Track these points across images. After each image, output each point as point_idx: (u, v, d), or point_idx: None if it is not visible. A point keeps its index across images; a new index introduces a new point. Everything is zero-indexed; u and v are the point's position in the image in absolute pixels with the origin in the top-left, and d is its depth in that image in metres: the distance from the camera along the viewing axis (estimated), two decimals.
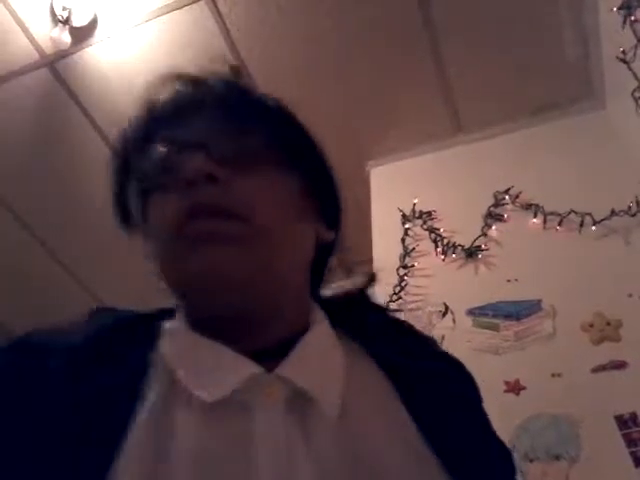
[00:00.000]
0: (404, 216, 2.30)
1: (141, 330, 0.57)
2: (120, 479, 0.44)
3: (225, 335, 0.53)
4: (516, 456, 1.55)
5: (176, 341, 0.56)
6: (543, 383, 1.70)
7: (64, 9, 2.25)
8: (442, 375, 0.61)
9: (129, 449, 0.46)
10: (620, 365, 1.66)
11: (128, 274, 3.14)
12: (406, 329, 0.68)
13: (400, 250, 2.21)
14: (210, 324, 0.54)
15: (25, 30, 2.33)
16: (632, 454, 1.50)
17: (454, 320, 1.95)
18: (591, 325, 1.76)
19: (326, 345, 0.59)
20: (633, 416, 1.55)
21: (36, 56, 2.40)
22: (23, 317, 3.41)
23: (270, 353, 0.53)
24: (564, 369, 1.70)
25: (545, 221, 2.06)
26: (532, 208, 2.10)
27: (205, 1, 2.22)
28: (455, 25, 2.24)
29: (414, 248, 2.22)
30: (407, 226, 2.28)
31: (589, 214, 1.98)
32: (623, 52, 1.84)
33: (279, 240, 0.54)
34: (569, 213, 2.02)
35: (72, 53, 2.39)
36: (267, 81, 2.42)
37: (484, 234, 2.13)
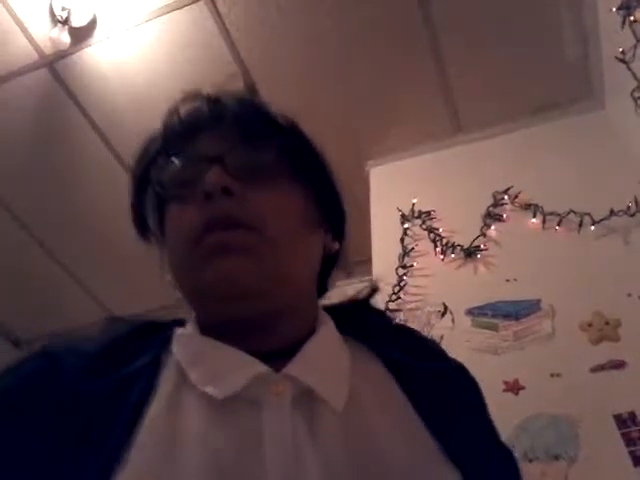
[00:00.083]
0: (403, 216, 2.30)
1: (154, 335, 0.61)
2: (139, 462, 0.47)
3: (236, 338, 0.56)
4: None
5: (187, 343, 0.59)
6: (542, 383, 1.70)
7: (63, 9, 2.25)
8: (445, 376, 0.62)
9: (139, 448, 0.48)
10: (619, 365, 1.66)
11: (127, 274, 3.14)
12: (410, 332, 0.71)
13: (399, 250, 2.21)
14: (222, 328, 0.57)
15: (24, 30, 2.34)
16: (631, 453, 1.50)
17: (453, 320, 1.95)
18: (590, 325, 1.76)
19: (332, 345, 0.61)
20: (632, 415, 1.55)
21: (35, 56, 2.40)
22: (23, 317, 3.41)
23: (279, 354, 0.56)
24: (563, 369, 1.70)
25: (544, 221, 2.06)
26: (531, 208, 2.10)
27: (204, 1, 2.22)
28: (455, 25, 2.24)
29: (413, 248, 2.22)
30: (406, 226, 2.28)
31: (588, 214, 1.99)
32: (622, 52, 1.84)
33: (289, 250, 0.57)
34: (568, 213, 2.02)
35: (71, 53, 2.39)
36: (267, 81, 2.42)
37: (483, 234, 2.13)
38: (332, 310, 0.67)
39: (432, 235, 2.21)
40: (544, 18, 2.19)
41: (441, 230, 2.21)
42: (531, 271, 1.96)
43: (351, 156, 2.52)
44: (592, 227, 1.97)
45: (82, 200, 2.86)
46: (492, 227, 2.15)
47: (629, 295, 1.78)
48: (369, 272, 2.20)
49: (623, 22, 1.79)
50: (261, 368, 0.54)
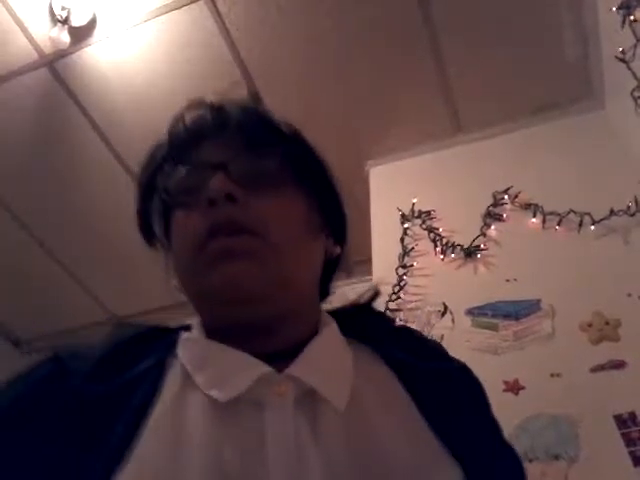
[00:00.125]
0: (403, 216, 2.30)
1: (159, 340, 0.62)
2: (142, 461, 0.48)
3: (240, 341, 0.57)
4: None
5: (192, 347, 0.60)
6: (542, 383, 1.70)
7: (63, 9, 2.25)
8: (448, 375, 0.63)
9: (142, 448, 0.49)
10: (619, 365, 1.66)
11: (127, 274, 3.14)
12: (412, 333, 0.72)
13: (399, 250, 2.21)
14: (227, 332, 0.59)
15: (24, 30, 2.34)
16: (631, 453, 1.50)
17: (453, 320, 1.95)
18: (590, 325, 1.76)
19: (334, 346, 0.62)
20: (632, 415, 1.55)
21: (35, 56, 2.40)
22: (22, 317, 3.41)
23: (282, 355, 0.57)
24: (563, 369, 1.70)
25: (544, 221, 2.06)
26: (531, 208, 2.10)
27: (204, 1, 2.22)
28: (455, 25, 2.24)
29: (413, 248, 2.22)
30: (406, 226, 2.28)
31: (588, 214, 1.98)
32: (622, 52, 1.84)
33: (292, 255, 0.59)
34: (568, 213, 2.02)
35: (71, 53, 2.39)
36: (267, 81, 2.42)
37: (483, 234, 2.13)
38: (335, 314, 0.67)
39: (432, 235, 2.21)
40: (544, 18, 2.19)
41: (441, 230, 2.21)
42: (531, 271, 1.96)
43: (351, 156, 2.52)
44: (592, 227, 1.97)
45: (82, 200, 2.86)
46: (492, 227, 2.14)
47: (629, 295, 1.78)
48: (369, 272, 2.20)
49: (623, 22, 1.79)
50: (264, 369, 0.54)
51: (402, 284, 2.10)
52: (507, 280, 1.98)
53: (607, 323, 1.74)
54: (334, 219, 0.68)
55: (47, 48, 2.37)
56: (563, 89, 2.34)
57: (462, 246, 2.12)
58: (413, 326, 1.92)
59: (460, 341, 1.86)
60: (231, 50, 2.34)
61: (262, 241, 0.56)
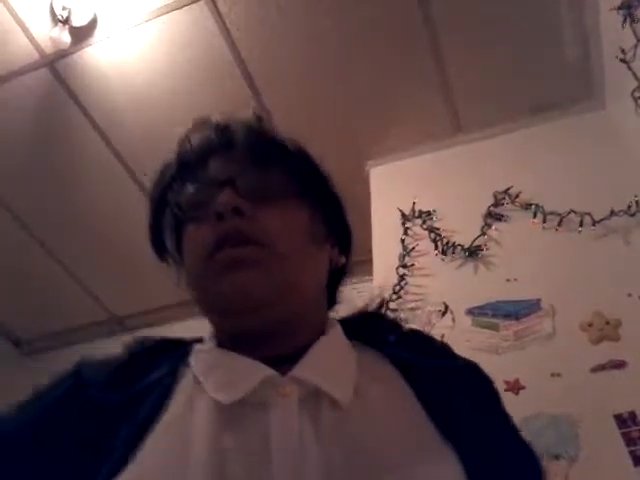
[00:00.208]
0: (404, 216, 2.30)
1: (174, 351, 0.65)
2: (149, 462, 0.51)
3: (249, 347, 0.60)
4: None
5: (203, 356, 0.63)
6: (542, 383, 1.70)
7: (64, 9, 2.25)
8: (452, 373, 0.64)
9: (150, 448, 0.52)
10: (619, 364, 1.66)
11: (127, 274, 3.14)
12: (420, 335, 0.75)
13: (400, 249, 2.21)
14: (236, 339, 0.62)
15: (25, 30, 2.34)
16: (631, 453, 1.50)
17: (453, 320, 1.95)
18: (590, 325, 1.76)
19: (338, 347, 0.65)
20: (632, 415, 1.55)
21: (36, 56, 2.40)
22: (23, 317, 3.41)
23: (288, 359, 0.59)
24: (563, 369, 1.70)
25: (545, 221, 2.06)
26: (532, 208, 2.10)
27: (205, 1, 2.22)
28: (455, 25, 2.24)
29: (414, 248, 2.22)
30: (407, 226, 2.28)
31: (589, 214, 1.98)
32: (623, 52, 1.84)
33: (296, 264, 0.62)
34: (569, 213, 2.02)
35: (72, 53, 2.40)
36: (267, 81, 2.42)
37: (484, 234, 2.13)
38: (344, 321, 0.70)
39: (432, 235, 2.21)
40: (544, 18, 2.19)
41: (442, 230, 2.21)
42: (531, 271, 1.96)
43: (351, 156, 2.52)
44: (592, 227, 1.97)
45: (82, 200, 2.86)
46: (493, 227, 2.14)
47: (629, 295, 1.78)
48: (369, 272, 2.20)
49: (624, 21, 1.79)
50: (268, 372, 0.57)
51: (402, 284, 2.10)
52: (507, 280, 1.98)
53: (607, 323, 1.74)
54: (338, 229, 0.72)
55: (48, 48, 2.37)
56: (563, 89, 2.34)
57: (463, 246, 2.12)
58: (413, 326, 1.92)
59: (460, 341, 1.86)
60: (231, 50, 2.34)
61: (268, 251, 0.59)
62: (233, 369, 0.59)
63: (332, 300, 0.74)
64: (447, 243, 2.16)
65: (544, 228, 2.06)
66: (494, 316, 1.91)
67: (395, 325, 0.76)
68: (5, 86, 2.49)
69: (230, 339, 0.63)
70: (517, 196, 2.16)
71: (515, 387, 1.71)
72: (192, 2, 2.23)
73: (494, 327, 1.89)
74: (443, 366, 0.64)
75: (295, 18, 2.26)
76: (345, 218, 0.74)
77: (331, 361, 0.61)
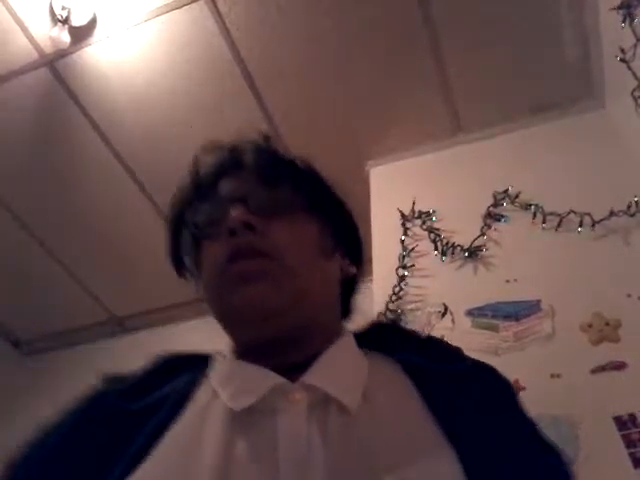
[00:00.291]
0: (403, 216, 2.30)
1: (194, 363, 0.69)
2: (159, 463, 0.55)
3: (262, 356, 0.63)
4: None
5: (220, 367, 0.67)
6: (542, 384, 1.69)
7: (63, 8, 2.25)
8: (465, 376, 0.65)
9: (162, 449, 0.56)
10: (619, 366, 1.65)
11: (127, 274, 3.14)
12: (434, 341, 0.77)
13: (399, 250, 2.21)
14: (250, 350, 0.65)
15: (24, 29, 2.33)
16: (631, 455, 1.49)
17: (453, 320, 1.95)
18: (590, 325, 1.75)
19: (347, 354, 0.68)
20: (632, 417, 1.55)
21: (35, 55, 2.40)
22: (22, 317, 3.41)
23: (300, 367, 0.62)
24: (563, 370, 1.70)
25: (544, 221, 2.06)
26: (531, 208, 2.10)
27: (205, 1, 2.22)
28: (455, 25, 2.23)
29: (413, 248, 2.21)
30: (406, 226, 2.27)
31: (588, 214, 1.98)
32: (623, 51, 1.83)
33: (306, 276, 0.65)
34: (568, 213, 2.02)
35: (71, 52, 2.39)
36: (267, 81, 2.42)
37: (483, 234, 2.13)
38: (359, 333, 0.73)
39: (432, 235, 2.20)
40: (544, 18, 2.18)
41: (441, 230, 2.20)
42: (531, 271, 1.96)
43: (351, 156, 2.52)
44: (592, 227, 1.97)
45: (82, 200, 2.86)
46: (492, 227, 2.14)
47: (629, 296, 1.77)
48: (369, 272, 2.19)
49: (623, 21, 1.79)
50: (277, 380, 0.60)
51: (402, 284, 2.10)
52: (507, 281, 1.97)
53: (607, 324, 1.74)
54: (347, 241, 0.75)
55: (47, 48, 2.37)
56: (563, 89, 2.34)
57: (462, 246, 2.12)
58: (413, 327, 1.92)
59: (460, 342, 1.81)
60: (231, 49, 2.34)
61: (277, 263, 0.63)
62: (246, 378, 0.62)
63: (347, 309, 0.77)
64: (447, 244, 2.15)
65: (544, 228, 2.05)
66: (494, 317, 1.90)
67: (410, 333, 0.77)
68: (4, 86, 2.48)
69: (245, 350, 0.67)
70: (517, 196, 2.16)
71: (515, 388, 1.71)
72: (192, 2, 2.23)
73: (494, 328, 1.88)
74: (453, 370, 0.65)
75: (295, 18, 2.25)
76: (355, 230, 0.78)
77: (340, 367, 0.64)
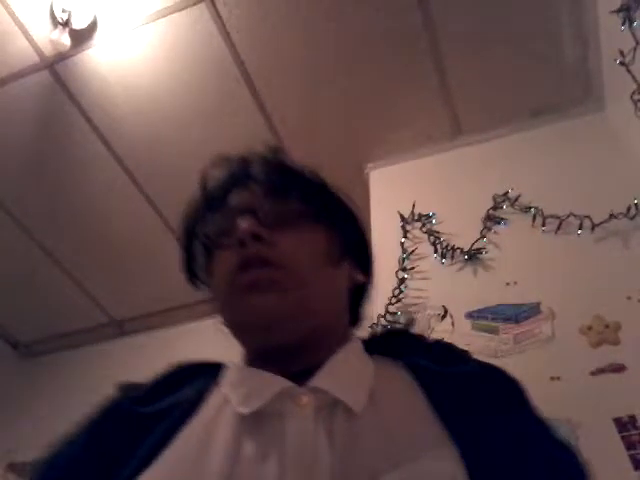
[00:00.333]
0: (403, 218, 2.30)
1: (207, 371, 0.72)
2: (168, 463, 0.57)
3: (271, 362, 0.65)
4: None
5: (232, 373, 0.69)
6: (542, 386, 1.69)
7: (64, 11, 2.25)
8: (470, 377, 0.65)
9: (172, 451, 0.58)
10: (619, 368, 1.65)
11: (127, 276, 3.14)
12: (441, 345, 0.78)
13: (399, 253, 2.21)
14: (260, 357, 0.68)
15: (25, 32, 2.34)
16: (631, 457, 1.49)
17: (453, 323, 1.95)
18: (590, 328, 1.75)
19: (353, 359, 0.69)
20: (632, 419, 1.54)
21: (36, 58, 2.40)
22: (21, 319, 3.41)
23: (308, 372, 0.64)
24: (563, 372, 1.70)
25: (544, 224, 2.06)
26: (531, 211, 2.10)
27: (205, 4, 2.23)
28: (455, 27, 2.24)
29: (413, 251, 2.21)
30: (406, 229, 2.27)
31: (588, 217, 1.98)
32: (622, 54, 1.84)
33: (313, 284, 0.67)
34: (568, 216, 2.02)
35: (72, 55, 2.39)
36: (267, 83, 2.42)
37: (483, 237, 2.13)
38: (369, 340, 0.75)
39: (432, 238, 2.20)
40: (544, 20, 2.19)
41: (441, 233, 2.21)
42: (531, 274, 1.96)
43: (351, 159, 2.52)
44: (592, 230, 1.97)
45: (81, 202, 2.86)
46: (492, 230, 2.14)
47: (629, 298, 1.77)
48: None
49: (623, 24, 1.79)
50: (285, 384, 0.61)
51: (402, 287, 2.10)
52: (507, 283, 1.97)
53: (607, 326, 1.74)
54: (354, 250, 0.77)
55: (48, 50, 2.37)
56: (563, 92, 2.34)
57: (462, 249, 2.12)
58: (413, 329, 1.92)
59: (460, 344, 1.83)
60: (231, 52, 2.34)
61: (285, 273, 0.65)
62: (254, 383, 0.64)
63: (356, 317, 0.79)
64: (447, 246, 2.15)
65: (544, 231, 2.06)
66: (494, 319, 1.90)
67: (417, 338, 0.78)
68: (5, 88, 2.49)
69: (255, 356, 0.69)
70: (516, 199, 2.16)
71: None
72: (192, 5, 2.23)
73: (494, 330, 1.88)
74: (460, 372, 0.66)
75: (295, 21, 2.26)
76: (364, 239, 0.80)
77: (346, 371, 0.65)
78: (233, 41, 2.32)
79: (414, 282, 2.12)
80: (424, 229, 2.25)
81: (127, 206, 2.83)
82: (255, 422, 0.59)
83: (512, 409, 0.64)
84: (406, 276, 2.14)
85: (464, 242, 2.13)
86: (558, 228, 2.03)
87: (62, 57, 2.39)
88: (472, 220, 2.18)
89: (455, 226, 2.20)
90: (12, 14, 2.28)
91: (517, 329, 1.86)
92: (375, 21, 2.22)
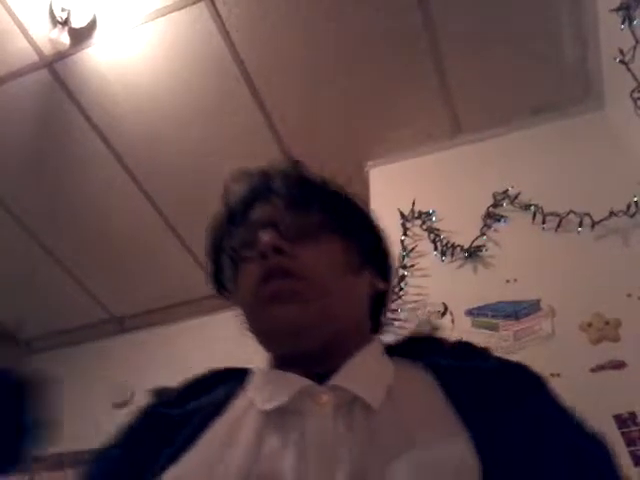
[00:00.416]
0: (403, 216, 2.30)
1: (235, 375, 0.75)
2: (192, 459, 0.60)
3: (294, 366, 0.68)
4: None
5: (257, 377, 0.73)
6: None
7: (63, 10, 2.25)
8: (490, 372, 0.67)
9: (198, 448, 0.61)
10: (619, 365, 1.66)
11: (127, 274, 3.14)
12: (462, 343, 0.79)
13: (399, 250, 2.21)
14: (284, 361, 0.71)
15: (24, 31, 2.33)
16: (631, 453, 1.50)
17: (453, 320, 1.96)
18: (590, 325, 1.76)
19: (373, 359, 0.71)
20: (632, 415, 1.55)
21: (35, 57, 2.40)
22: (22, 316, 3.41)
23: (330, 373, 0.66)
24: (563, 369, 1.70)
25: (544, 221, 2.07)
26: (531, 208, 2.11)
27: (204, 3, 2.22)
28: (455, 26, 2.24)
29: (413, 248, 2.22)
30: (406, 226, 2.28)
31: (588, 214, 1.99)
32: (622, 53, 1.84)
33: (334, 294, 0.69)
34: (568, 213, 2.02)
35: (71, 54, 2.39)
36: (266, 82, 2.42)
37: (483, 234, 2.14)
38: (392, 345, 0.77)
39: (432, 235, 2.21)
40: (544, 19, 2.19)
41: (441, 230, 2.21)
42: (531, 271, 1.96)
43: (351, 157, 2.52)
44: (592, 228, 1.98)
45: (81, 200, 2.86)
46: (492, 228, 2.15)
47: (629, 295, 1.78)
48: None
49: (623, 22, 1.79)
50: (305, 383, 0.64)
51: (402, 284, 2.11)
52: (507, 280, 1.98)
53: (607, 323, 1.75)
54: (374, 259, 0.79)
55: (47, 49, 2.37)
56: (563, 90, 2.35)
57: (462, 247, 2.13)
58: (413, 326, 1.92)
59: None
60: (231, 51, 2.34)
61: (305, 283, 0.67)
62: (277, 383, 0.67)
63: (377, 323, 0.81)
64: (447, 244, 2.16)
65: (543, 229, 2.06)
66: (494, 317, 1.91)
67: (439, 340, 0.80)
68: (4, 87, 2.48)
69: (279, 361, 0.72)
70: (516, 197, 2.17)
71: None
72: (191, 3, 2.23)
73: (494, 327, 1.89)
74: (480, 367, 0.68)
75: (294, 20, 2.26)
76: (384, 248, 0.82)
77: (365, 369, 0.68)
78: (233, 40, 2.32)
79: (414, 279, 2.13)
80: (424, 227, 2.25)
81: (127, 204, 2.84)
82: (277, 420, 0.62)
83: (538, 402, 0.64)
84: (406, 273, 2.14)
85: (464, 240, 2.14)
86: (558, 226, 2.03)
87: (61, 56, 2.39)
88: (472, 218, 2.18)
89: (455, 224, 2.21)
90: (11, 13, 2.28)
91: (517, 326, 1.87)
92: (375, 21, 2.22)
